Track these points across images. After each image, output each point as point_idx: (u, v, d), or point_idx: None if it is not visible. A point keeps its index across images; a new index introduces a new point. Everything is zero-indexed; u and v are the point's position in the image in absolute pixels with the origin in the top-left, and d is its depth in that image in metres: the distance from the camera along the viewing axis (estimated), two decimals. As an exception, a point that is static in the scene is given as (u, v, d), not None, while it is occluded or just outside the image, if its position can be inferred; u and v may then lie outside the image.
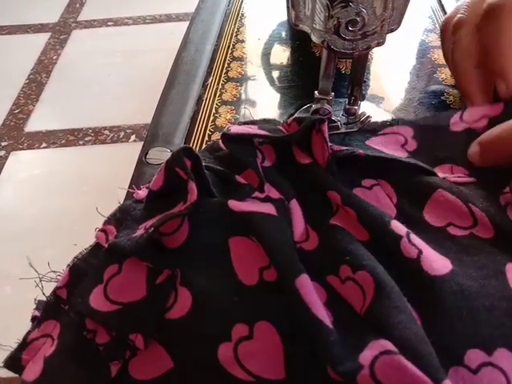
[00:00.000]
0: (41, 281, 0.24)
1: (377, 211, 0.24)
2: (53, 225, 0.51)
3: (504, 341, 0.20)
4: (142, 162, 0.34)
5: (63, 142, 0.63)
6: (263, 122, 0.32)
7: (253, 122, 0.32)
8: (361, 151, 0.27)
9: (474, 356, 0.20)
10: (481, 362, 0.20)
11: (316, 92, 0.32)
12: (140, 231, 0.24)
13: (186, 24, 0.50)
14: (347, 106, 0.32)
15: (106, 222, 0.26)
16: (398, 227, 0.23)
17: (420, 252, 0.22)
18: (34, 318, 0.24)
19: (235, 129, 0.28)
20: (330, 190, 0.26)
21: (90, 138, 0.63)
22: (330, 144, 0.27)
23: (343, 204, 0.25)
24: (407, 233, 0.23)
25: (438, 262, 0.22)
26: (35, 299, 0.24)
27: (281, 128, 0.29)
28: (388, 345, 0.19)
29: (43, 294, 0.24)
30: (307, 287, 0.21)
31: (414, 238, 0.23)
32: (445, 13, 0.48)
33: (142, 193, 0.27)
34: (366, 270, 0.22)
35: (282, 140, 0.28)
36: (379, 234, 0.24)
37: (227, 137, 0.28)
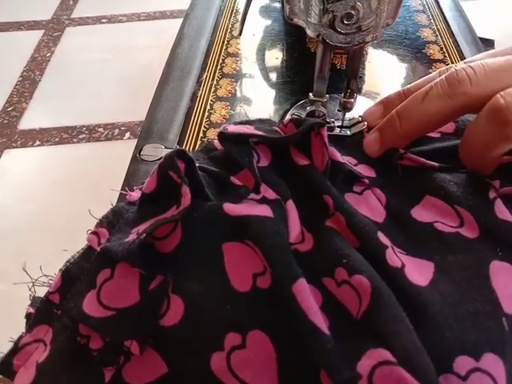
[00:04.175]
0: (33, 285, 0.24)
1: (366, 220, 0.25)
2: (47, 223, 0.51)
3: (491, 345, 0.20)
4: (136, 159, 0.34)
5: (57, 139, 0.62)
6: (258, 122, 0.32)
7: (248, 122, 0.32)
8: (365, 180, 0.27)
9: (463, 363, 0.20)
10: (469, 369, 0.19)
11: (310, 94, 0.32)
12: (132, 236, 0.23)
13: (180, 21, 0.50)
14: (343, 100, 0.32)
15: (98, 225, 0.25)
16: (384, 239, 0.24)
17: (403, 264, 0.22)
18: (28, 315, 0.24)
19: (232, 128, 0.28)
20: (325, 194, 0.26)
21: (84, 135, 0.63)
22: (330, 148, 0.27)
23: (335, 209, 0.25)
24: (391, 245, 0.23)
25: (418, 275, 0.22)
26: (30, 295, 0.24)
27: (277, 128, 0.29)
28: (387, 355, 0.19)
29: (32, 303, 0.24)
30: (304, 293, 0.21)
31: (398, 252, 0.24)
32: (439, 7, 0.48)
33: (135, 194, 0.27)
34: (363, 275, 0.21)
35: (279, 141, 0.28)
36: (367, 241, 0.24)
37: (224, 136, 0.28)
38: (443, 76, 0.25)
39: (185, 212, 0.23)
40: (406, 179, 0.28)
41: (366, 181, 0.28)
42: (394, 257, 0.23)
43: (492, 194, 0.25)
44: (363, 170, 0.28)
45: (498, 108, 0.23)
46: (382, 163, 0.29)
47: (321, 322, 0.20)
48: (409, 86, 0.29)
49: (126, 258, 0.22)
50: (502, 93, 0.23)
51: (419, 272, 0.23)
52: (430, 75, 0.29)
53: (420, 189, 0.27)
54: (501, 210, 0.24)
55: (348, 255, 0.23)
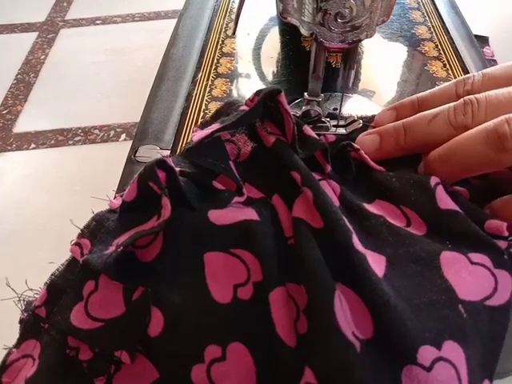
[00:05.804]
0: (19, 300, 0.24)
1: (332, 201, 0.24)
2: (43, 226, 0.51)
3: (449, 333, 0.20)
4: (131, 160, 0.34)
5: (52, 142, 0.62)
6: (228, 106, 0.31)
7: (217, 111, 0.31)
8: (329, 167, 0.27)
9: (426, 353, 0.20)
10: (433, 359, 0.19)
11: (305, 93, 0.31)
12: (112, 248, 0.23)
13: (175, 21, 0.49)
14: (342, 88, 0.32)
15: (80, 235, 0.25)
16: (349, 224, 0.23)
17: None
18: (21, 321, 0.23)
19: (197, 136, 0.27)
20: (292, 171, 0.26)
21: (79, 137, 0.62)
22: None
23: (302, 184, 0.25)
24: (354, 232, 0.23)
25: (374, 266, 0.22)
26: (23, 300, 0.24)
27: (245, 107, 0.28)
28: (310, 376, 0.19)
29: (22, 313, 0.24)
30: (278, 303, 0.21)
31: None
32: (434, 4, 0.48)
33: (116, 202, 0.26)
34: (302, 285, 0.21)
35: (243, 120, 0.27)
36: (333, 223, 0.23)
37: (192, 150, 0.27)
38: (453, 104, 0.26)
39: (164, 224, 0.22)
40: (358, 180, 0.28)
41: (329, 168, 0.27)
42: (359, 244, 0.22)
43: (433, 181, 0.25)
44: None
45: (502, 134, 0.22)
46: (336, 159, 0.28)
47: (287, 334, 0.20)
48: (424, 93, 0.29)
49: (103, 270, 0.22)
50: (507, 117, 0.22)
51: (373, 265, 0.22)
52: (446, 85, 0.28)
53: (371, 192, 0.27)
54: (441, 199, 0.24)
55: (301, 258, 0.22)
